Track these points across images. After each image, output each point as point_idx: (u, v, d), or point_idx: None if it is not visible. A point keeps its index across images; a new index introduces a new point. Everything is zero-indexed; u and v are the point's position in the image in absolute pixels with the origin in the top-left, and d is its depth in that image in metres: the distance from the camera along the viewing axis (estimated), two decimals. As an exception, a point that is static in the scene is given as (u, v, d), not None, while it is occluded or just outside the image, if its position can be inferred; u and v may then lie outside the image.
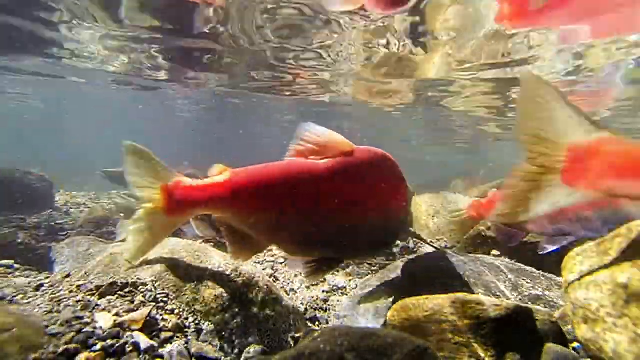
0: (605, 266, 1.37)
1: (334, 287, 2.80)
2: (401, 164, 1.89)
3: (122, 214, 5.48)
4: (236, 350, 1.65)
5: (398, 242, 4.43)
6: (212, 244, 3.30)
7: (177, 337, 1.55)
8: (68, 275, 1.95)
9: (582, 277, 1.46)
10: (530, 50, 4.75)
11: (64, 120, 25.99)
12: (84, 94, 11.22)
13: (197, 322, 1.65)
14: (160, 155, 1.71)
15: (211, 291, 1.77)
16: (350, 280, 2.95)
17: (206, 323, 1.66)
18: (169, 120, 18.12)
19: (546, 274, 2.46)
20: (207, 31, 4.69)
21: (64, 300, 1.59)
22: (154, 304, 1.64)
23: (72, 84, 9.31)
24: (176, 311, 1.66)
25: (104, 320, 1.46)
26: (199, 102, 12.24)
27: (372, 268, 3.32)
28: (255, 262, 3.29)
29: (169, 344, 1.49)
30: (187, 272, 1.82)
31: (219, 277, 1.85)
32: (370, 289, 2.49)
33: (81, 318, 1.45)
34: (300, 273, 2.99)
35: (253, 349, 1.64)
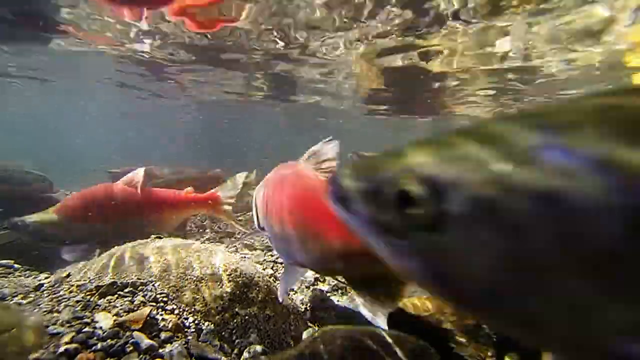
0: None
1: (334, 287, 2.80)
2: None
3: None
4: (236, 351, 1.64)
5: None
6: (212, 243, 3.29)
7: (177, 337, 1.55)
8: (68, 275, 1.95)
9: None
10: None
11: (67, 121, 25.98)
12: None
13: (197, 322, 1.65)
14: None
15: (211, 291, 1.77)
16: (350, 280, 2.94)
17: (206, 323, 1.66)
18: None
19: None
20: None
21: (64, 300, 1.59)
22: (154, 304, 1.64)
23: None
24: (176, 311, 1.66)
25: (104, 320, 1.46)
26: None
27: (372, 268, 3.31)
28: (255, 262, 3.29)
29: (169, 344, 1.49)
30: (187, 272, 1.82)
31: (219, 277, 1.85)
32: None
33: (81, 318, 1.45)
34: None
35: (253, 349, 1.64)
